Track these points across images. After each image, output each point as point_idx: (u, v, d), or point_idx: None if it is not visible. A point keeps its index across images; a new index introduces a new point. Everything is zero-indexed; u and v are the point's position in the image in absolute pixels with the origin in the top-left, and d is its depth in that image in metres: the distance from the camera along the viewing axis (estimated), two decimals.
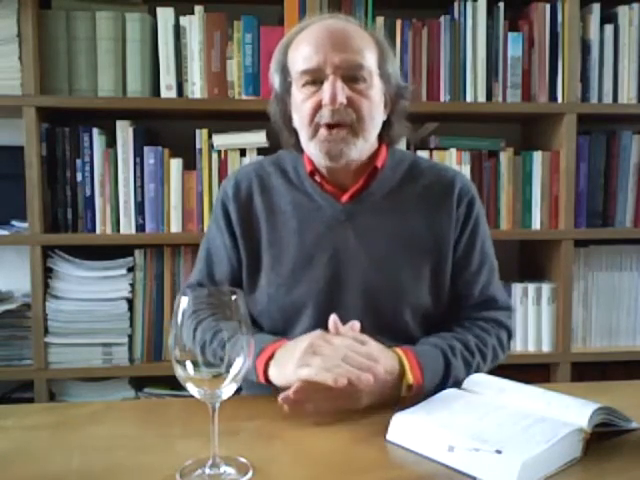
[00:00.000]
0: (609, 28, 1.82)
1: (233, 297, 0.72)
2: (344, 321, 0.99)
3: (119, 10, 1.71)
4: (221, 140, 1.75)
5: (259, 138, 1.74)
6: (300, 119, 1.08)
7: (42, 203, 1.70)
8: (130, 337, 1.78)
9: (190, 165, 1.76)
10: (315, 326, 1.01)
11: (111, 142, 1.76)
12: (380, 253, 1.10)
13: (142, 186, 1.74)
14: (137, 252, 1.80)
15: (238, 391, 0.76)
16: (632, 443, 0.82)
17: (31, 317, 1.73)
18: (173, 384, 1.75)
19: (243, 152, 1.76)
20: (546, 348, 1.86)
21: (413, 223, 1.12)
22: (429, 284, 1.12)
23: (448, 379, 1.02)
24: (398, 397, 0.96)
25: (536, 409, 0.84)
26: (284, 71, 1.10)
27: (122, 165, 1.74)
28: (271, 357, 0.98)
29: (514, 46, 1.80)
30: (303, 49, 1.05)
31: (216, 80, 1.74)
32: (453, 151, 1.81)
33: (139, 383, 1.84)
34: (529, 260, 2.05)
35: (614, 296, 1.93)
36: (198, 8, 1.72)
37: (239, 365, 0.72)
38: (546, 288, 1.86)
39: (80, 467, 0.76)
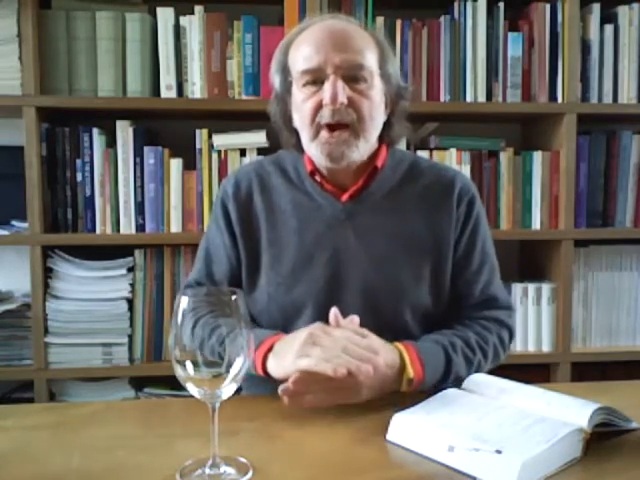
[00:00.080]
0: (609, 28, 1.82)
1: (233, 297, 0.72)
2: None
3: (119, 10, 1.71)
4: (221, 140, 1.75)
5: (259, 138, 1.74)
6: (301, 119, 1.08)
7: (42, 203, 1.70)
8: (130, 337, 1.78)
9: (190, 165, 1.76)
10: None
11: (111, 142, 1.76)
12: (380, 253, 1.10)
13: (142, 186, 1.74)
14: (137, 252, 1.80)
15: (238, 391, 0.76)
16: (632, 443, 0.82)
17: (31, 317, 1.73)
18: (173, 384, 1.75)
19: (243, 152, 1.76)
20: (546, 348, 1.87)
21: (413, 223, 1.12)
22: (429, 284, 1.12)
23: (449, 375, 1.02)
24: (399, 392, 0.96)
25: (536, 409, 0.84)
26: (285, 71, 1.10)
27: (122, 165, 1.74)
28: (270, 350, 0.98)
29: (514, 46, 1.80)
30: (304, 49, 1.05)
31: (216, 80, 1.74)
32: (453, 151, 1.81)
33: (139, 383, 1.84)
34: (529, 260, 2.05)
35: (614, 296, 1.93)
36: (198, 8, 1.72)
37: (239, 365, 0.72)
38: (546, 288, 1.86)
39: (80, 467, 0.76)
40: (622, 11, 1.83)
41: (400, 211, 1.13)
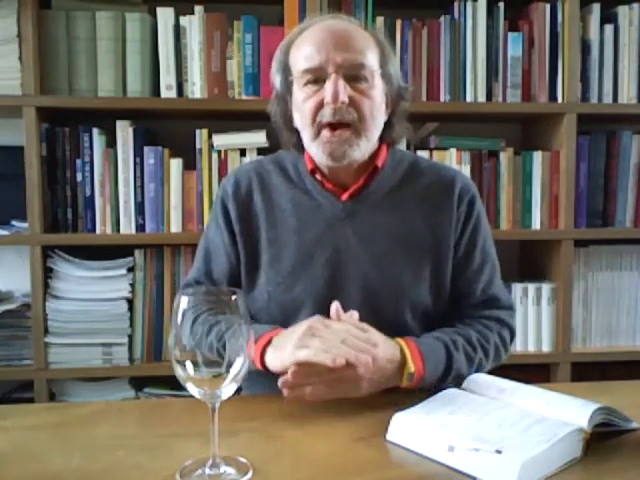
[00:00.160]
0: (609, 28, 1.82)
1: (233, 297, 0.72)
2: None
3: (119, 10, 1.71)
4: (221, 140, 1.75)
5: (259, 138, 1.74)
6: (302, 118, 1.08)
7: (42, 203, 1.70)
8: (130, 337, 1.78)
9: (190, 165, 1.76)
10: None
11: (111, 142, 1.76)
12: (380, 252, 1.10)
13: (142, 186, 1.74)
14: (137, 252, 1.80)
15: (238, 391, 0.76)
16: (632, 443, 0.82)
17: (31, 317, 1.73)
18: (173, 384, 1.75)
19: (243, 152, 1.76)
20: (546, 348, 1.87)
21: (413, 222, 1.12)
22: (429, 283, 1.12)
23: (450, 372, 1.02)
24: (399, 390, 0.96)
25: (536, 409, 0.85)
26: (285, 70, 1.10)
27: (122, 165, 1.74)
28: (268, 343, 0.98)
29: (514, 46, 1.80)
30: (305, 48, 1.06)
31: (216, 80, 1.74)
32: (453, 151, 1.81)
33: (139, 383, 1.84)
34: (529, 260, 2.05)
35: (614, 296, 1.93)
36: (198, 8, 1.72)
37: (239, 365, 0.72)
38: (546, 288, 1.86)
39: (80, 467, 0.76)
40: (622, 11, 1.83)
41: (400, 211, 1.13)
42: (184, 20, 1.73)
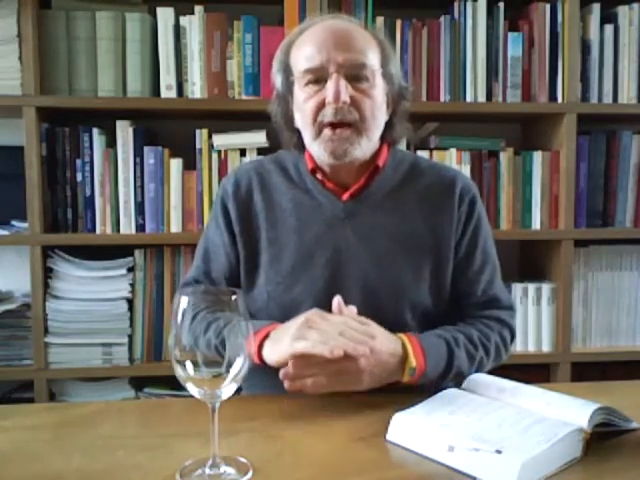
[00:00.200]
0: (609, 28, 1.82)
1: (233, 297, 0.72)
2: None
3: (119, 10, 1.71)
4: (221, 140, 1.75)
5: (259, 138, 1.74)
6: (303, 118, 1.08)
7: (42, 203, 1.70)
8: (130, 337, 1.78)
9: (190, 165, 1.76)
10: None
11: (111, 142, 1.76)
12: (380, 252, 1.10)
13: (142, 186, 1.74)
14: (137, 252, 1.80)
15: (238, 391, 0.76)
16: (632, 443, 0.82)
17: (31, 317, 1.73)
18: (173, 384, 1.75)
19: (243, 152, 1.76)
20: (546, 348, 1.87)
21: (414, 222, 1.12)
22: (429, 284, 1.12)
23: (451, 369, 1.02)
24: (400, 387, 0.97)
25: (536, 409, 0.85)
26: (286, 70, 1.10)
27: (122, 165, 1.74)
28: (266, 337, 0.98)
29: (514, 46, 1.80)
30: (306, 48, 1.06)
31: (216, 80, 1.74)
32: (453, 151, 1.81)
33: (139, 383, 1.84)
34: (529, 260, 2.05)
35: (614, 296, 1.93)
36: (198, 8, 1.72)
37: (239, 365, 0.72)
38: (546, 288, 1.86)
39: (80, 467, 0.76)
40: (622, 11, 1.83)
41: (401, 211, 1.13)
42: (184, 20, 1.73)
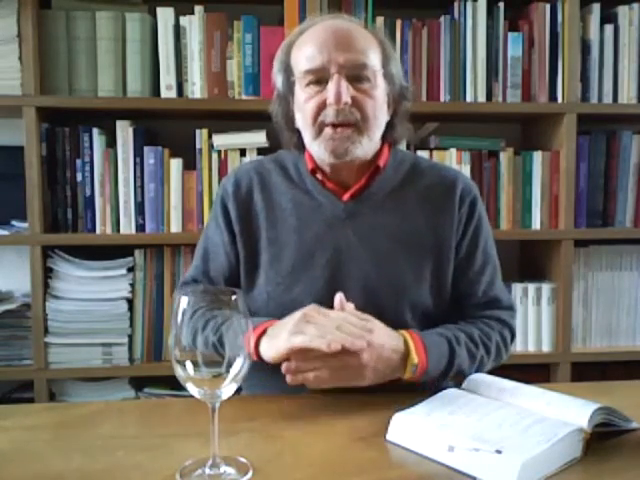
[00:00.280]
0: (609, 28, 1.82)
1: (233, 297, 0.72)
2: None
3: (119, 10, 1.71)
4: (221, 140, 1.75)
5: (259, 138, 1.74)
6: (303, 118, 1.08)
7: (42, 203, 1.70)
8: (130, 337, 1.78)
9: (190, 165, 1.76)
10: None
11: (111, 142, 1.76)
12: (381, 252, 1.10)
13: (142, 186, 1.74)
14: (137, 252, 1.80)
15: (238, 391, 0.76)
16: (632, 443, 0.82)
17: (31, 317, 1.73)
18: (173, 384, 1.75)
19: (243, 152, 1.76)
20: (546, 348, 1.87)
21: (414, 223, 1.12)
22: (430, 284, 1.12)
23: (452, 367, 1.02)
24: (401, 385, 0.97)
25: (536, 409, 0.85)
26: (287, 71, 1.10)
27: (122, 165, 1.74)
28: (263, 333, 0.98)
29: (514, 46, 1.80)
30: (307, 49, 1.05)
31: (216, 80, 1.74)
32: (453, 151, 1.81)
33: (139, 383, 1.84)
34: (529, 260, 2.05)
35: (614, 296, 1.93)
36: (198, 8, 1.72)
37: (239, 365, 0.72)
38: (546, 288, 1.86)
39: (80, 467, 0.76)
40: (622, 11, 1.83)
41: (401, 211, 1.13)
42: (184, 20, 1.73)
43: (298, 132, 1.12)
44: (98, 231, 1.74)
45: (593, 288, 1.92)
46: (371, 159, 1.13)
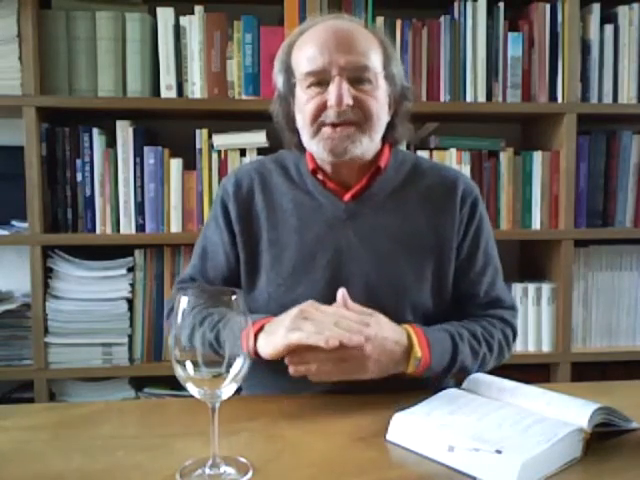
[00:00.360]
0: (609, 28, 1.82)
1: (233, 297, 0.72)
2: None
3: (119, 10, 1.71)
4: (221, 140, 1.75)
5: (259, 138, 1.74)
6: (303, 119, 1.07)
7: (42, 203, 1.70)
8: (130, 337, 1.78)
9: (190, 165, 1.76)
10: None
11: (111, 142, 1.76)
12: (382, 253, 1.10)
13: (142, 186, 1.74)
14: (137, 252, 1.80)
15: (238, 391, 0.76)
16: (632, 443, 0.82)
17: (31, 317, 1.73)
18: (173, 384, 1.75)
19: (243, 152, 1.76)
20: (546, 348, 1.87)
21: (415, 223, 1.12)
22: (431, 284, 1.12)
23: (455, 363, 1.02)
24: (400, 386, 0.97)
25: (536, 409, 0.85)
26: (288, 72, 1.10)
27: (122, 165, 1.74)
28: (260, 331, 0.98)
29: (514, 46, 1.80)
30: (307, 50, 1.05)
31: (216, 80, 1.74)
32: (453, 151, 1.81)
33: (139, 383, 1.84)
34: (529, 260, 2.05)
35: (614, 296, 1.93)
36: (198, 8, 1.72)
37: (239, 365, 0.72)
38: (546, 288, 1.86)
39: (80, 467, 0.76)
40: (622, 11, 1.83)
41: (402, 211, 1.12)
42: (184, 20, 1.73)
43: (299, 132, 1.12)
44: (98, 231, 1.74)
45: (593, 288, 1.92)
46: (372, 159, 1.12)
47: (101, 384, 1.80)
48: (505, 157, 1.84)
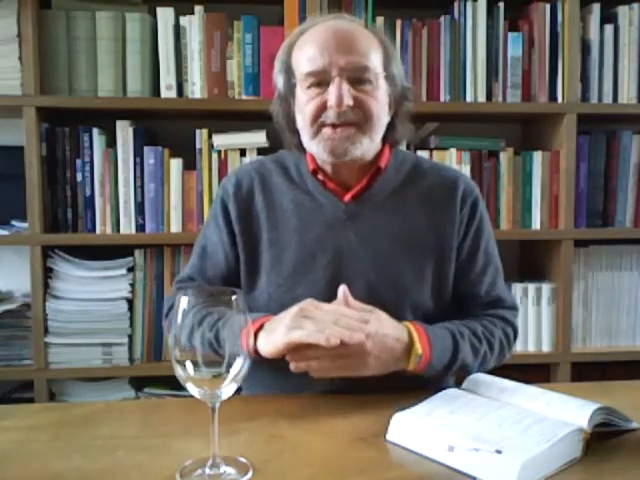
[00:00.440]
0: (609, 28, 1.82)
1: (233, 297, 0.72)
2: None
3: (119, 10, 1.71)
4: (221, 140, 1.75)
5: (259, 138, 1.74)
6: (303, 120, 1.07)
7: (42, 203, 1.70)
8: (130, 337, 1.78)
9: (190, 165, 1.76)
10: None
11: (111, 142, 1.76)
12: (382, 253, 1.10)
13: (142, 186, 1.74)
14: (137, 252, 1.80)
15: (238, 391, 0.76)
16: (632, 443, 0.82)
17: (31, 317, 1.73)
18: (173, 384, 1.75)
19: (243, 152, 1.76)
20: (546, 348, 1.86)
21: (415, 223, 1.12)
22: (431, 285, 1.12)
23: (456, 360, 1.02)
24: (400, 386, 0.96)
25: (536, 409, 0.85)
26: (288, 72, 1.10)
27: (122, 165, 1.74)
28: (260, 329, 0.98)
29: (514, 46, 1.80)
30: (308, 50, 1.05)
31: (216, 80, 1.74)
32: (453, 151, 1.81)
33: (139, 383, 1.84)
34: (529, 260, 2.05)
35: (614, 296, 1.93)
36: (198, 8, 1.72)
37: (239, 365, 0.72)
38: (546, 288, 1.86)
39: (80, 467, 0.76)
40: (622, 11, 1.83)
41: (403, 212, 1.12)
42: (184, 20, 1.73)
43: (299, 133, 1.12)
44: (98, 231, 1.74)
45: (593, 288, 1.92)
46: (372, 160, 1.12)
47: (101, 384, 1.80)
48: (505, 157, 1.84)
